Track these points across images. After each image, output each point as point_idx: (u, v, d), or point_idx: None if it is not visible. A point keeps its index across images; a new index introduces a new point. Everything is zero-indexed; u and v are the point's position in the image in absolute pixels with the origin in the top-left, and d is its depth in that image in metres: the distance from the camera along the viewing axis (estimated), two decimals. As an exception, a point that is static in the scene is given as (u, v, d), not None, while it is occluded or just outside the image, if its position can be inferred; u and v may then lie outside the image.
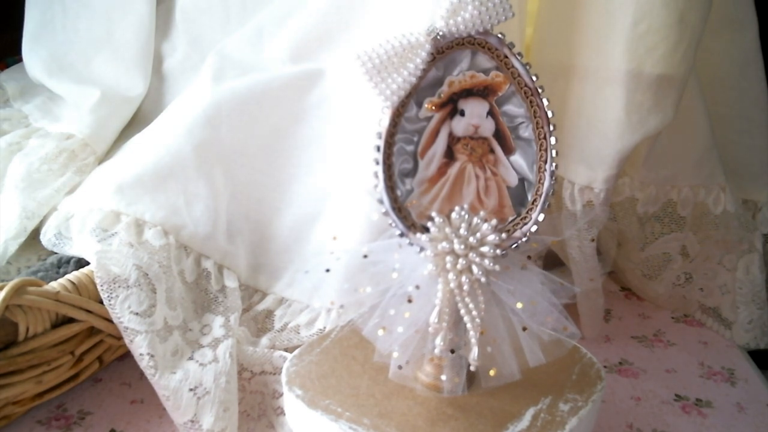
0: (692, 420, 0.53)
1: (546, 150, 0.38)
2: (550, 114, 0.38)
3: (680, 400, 0.55)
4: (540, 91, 0.38)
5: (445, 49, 0.37)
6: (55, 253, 0.55)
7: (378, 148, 0.36)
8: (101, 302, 0.46)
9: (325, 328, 0.54)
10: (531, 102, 0.38)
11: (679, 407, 0.54)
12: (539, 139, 0.38)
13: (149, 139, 0.62)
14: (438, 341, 0.35)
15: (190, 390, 0.46)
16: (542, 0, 0.57)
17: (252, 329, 0.55)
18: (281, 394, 0.48)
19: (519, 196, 0.39)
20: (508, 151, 0.39)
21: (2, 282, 0.42)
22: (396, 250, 0.38)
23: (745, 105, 0.64)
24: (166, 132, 0.60)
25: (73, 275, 0.47)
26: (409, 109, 0.37)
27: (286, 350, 0.52)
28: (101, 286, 0.46)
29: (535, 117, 0.38)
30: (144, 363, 0.45)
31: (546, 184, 0.38)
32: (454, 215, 0.37)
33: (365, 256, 0.38)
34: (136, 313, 0.46)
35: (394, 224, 0.36)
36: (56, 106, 0.73)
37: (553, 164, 0.38)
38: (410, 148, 0.38)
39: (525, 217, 0.38)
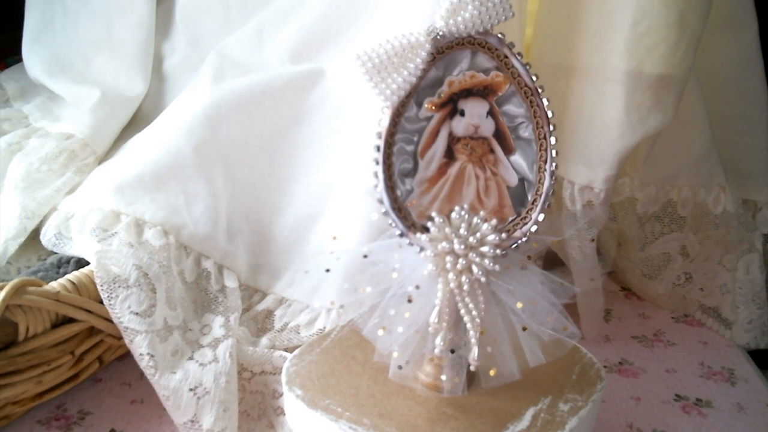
0: (692, 420, 0.53)
1: (546, 150, 0.38)
2: (550, 114, 0.38)
3: (680, 400, 0.55)
4: (540, 91, 0.38)
5: (445, 49, 0.37)
6: (55, 253, 0.55)
7: (378, 148, 0.36)
8: (101, 302, 0.46)
9: (325, 328, 0.54)
10: (531, 102, 0.38)
11: (679, 407, 0.54)
12: (539, 139, 0.38)
13: (149, 139, 0.62)
14: (438, 341, 0.35)
15: (190, 390, 0.46)
16: (542, 0, 0.57)
17: (252, 329, 0.55)
18: (281, 394, 0.48)
19: (519, 196, 0.39)
20: (508, 151, 0.39)
21: (2, 282, 0.42)
22: (396, 250, 0.38)
23: (745, 105, 0.64)
24: (166, 132, 0.60)
25: (73, 275, 0.47)
26: (409, 109, 0.37)
27: (286, 350, 0.52)
28: (101, 286, 0.46)
29: (535, 117, 0.38)
30: (144, 363, 0.45)
31: (546, 184, 0.38)
32: (454, 215, 0.37)
33: (365, 256, 0.38)
34: (136, 313, 0.46)
35: (394, 224, 0.36)
36: (56, 106, 0.73)
37: (553, 164, 0.38)
38: (410, 148, 0.38)
39: (525, 217, 0.38)
